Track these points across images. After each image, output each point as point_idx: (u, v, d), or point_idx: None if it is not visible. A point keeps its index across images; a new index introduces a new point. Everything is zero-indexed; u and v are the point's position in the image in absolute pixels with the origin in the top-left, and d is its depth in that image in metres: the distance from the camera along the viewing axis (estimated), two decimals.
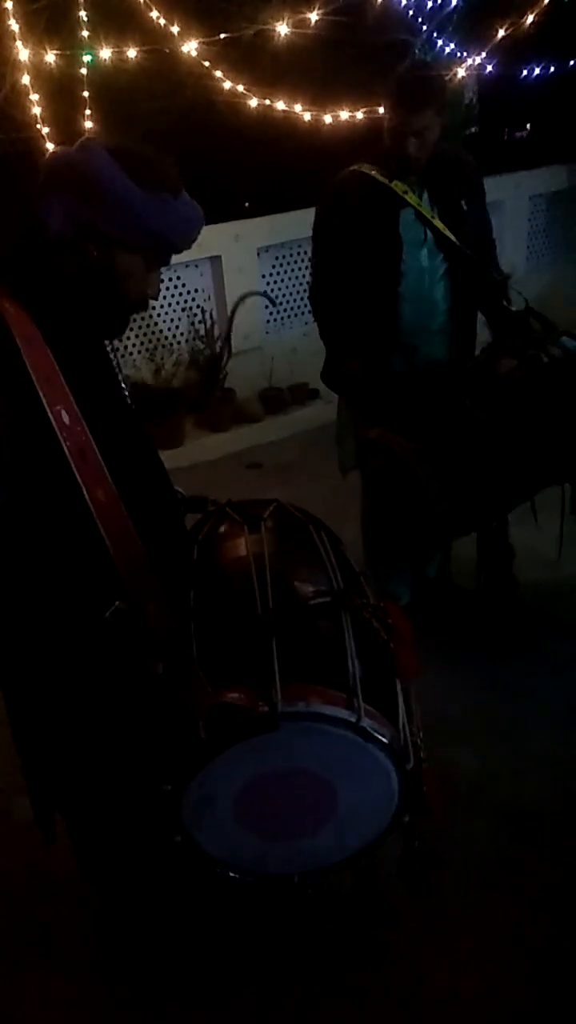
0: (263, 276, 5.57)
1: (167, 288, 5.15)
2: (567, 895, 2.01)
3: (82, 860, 1.84)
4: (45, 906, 2.09)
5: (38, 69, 3.69)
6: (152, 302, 1.55)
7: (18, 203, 1.45)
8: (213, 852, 1.48)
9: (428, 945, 1.91)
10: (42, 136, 3.74)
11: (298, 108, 4.35)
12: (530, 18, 4.49)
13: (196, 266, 5.20)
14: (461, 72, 4.93)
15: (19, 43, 3.54)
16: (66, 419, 1.35)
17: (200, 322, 5.16)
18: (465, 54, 5.04)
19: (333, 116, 4.42)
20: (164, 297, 5.16)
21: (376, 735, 1.33)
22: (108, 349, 1.61)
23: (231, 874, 1.53)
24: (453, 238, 2.60)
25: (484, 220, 2.78)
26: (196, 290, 5.28)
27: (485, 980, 1.83)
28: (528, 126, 10.05)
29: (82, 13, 3.85)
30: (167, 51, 3.94)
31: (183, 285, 5.23)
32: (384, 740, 1.34)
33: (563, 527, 2.74)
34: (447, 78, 4.64)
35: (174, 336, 5.26)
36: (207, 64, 4.05)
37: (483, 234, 2.77)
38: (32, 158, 3.68)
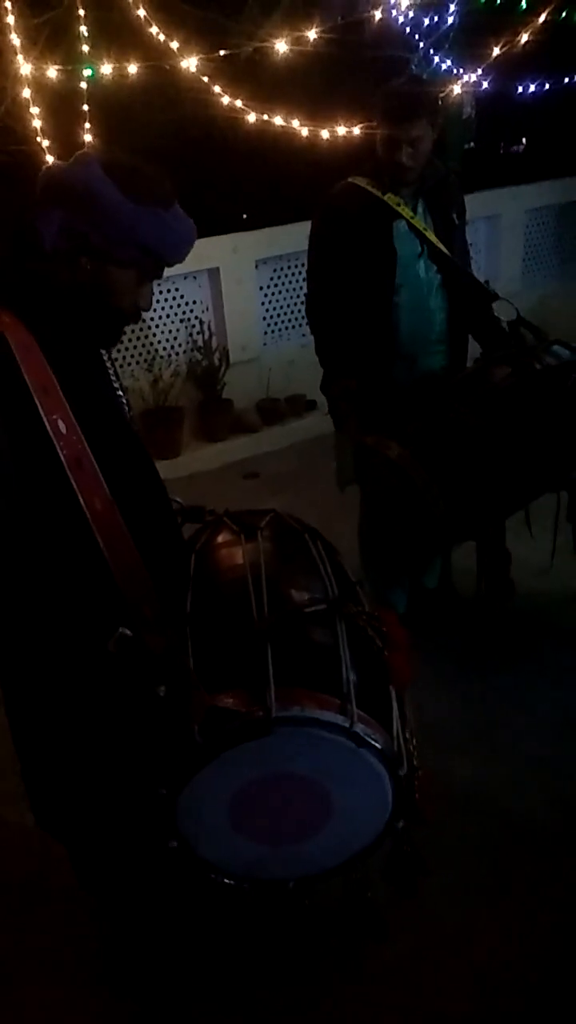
0: (261, 288, 5.60)
1: (165, 300, 5.19)
2: (562, 905, 2.01)
3: (79, 868, 1.85)
4: (43, 913, 2.09)
5: (39, 83, 3.72)
6: (150, 313, 1.58)
7: (16, 216, 1.48)
8: (208, 857, 1.49)
9: (420, 956, 1.90)
10: (42, 149, 3.77)
11: (296, 123, 4.39)
12: (524, 37, 4.55)
13: (194, 278, 5.23)
14: (457, 89, 4.99)
15: (20, 57, 3.58)
16: (63, 428, 1.37)
17: (198, 333, 5.19)
18: (462, 71, 5.11)
19: (330, 131, 4.47)
20: (162, 308, 5.19)
21: (369, 740, 1.34)
22: (106, 359, 1.63)
23: (226, 880, 1.54)
24: (446, 250, 2.64)
25: (465, 238, 2.83)
26: (194, 302, 5.31)
27: (478, 991, 1.83)
28: (524, 140, 10.15)
29: (83, 28, 3.90)
30: (167, 67, 3.98)
31: (181, 297, 5.26)
32: (377, 745, 1.35)
33: (556, 537, 2.77)
34: (443, 94, 4.71)
35: (172, 347, 5.28)
36: (206, 79, 4.10)
37: (465, 254, 2.82)
38: (32, 171, 3.71)
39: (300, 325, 5.70)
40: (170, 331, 5.27)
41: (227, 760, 1.33)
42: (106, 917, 1.96)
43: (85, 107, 3.98)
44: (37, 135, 3.74)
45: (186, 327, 5.28)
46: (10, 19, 3.52)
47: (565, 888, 2.05)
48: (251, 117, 4.28)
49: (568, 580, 3.18)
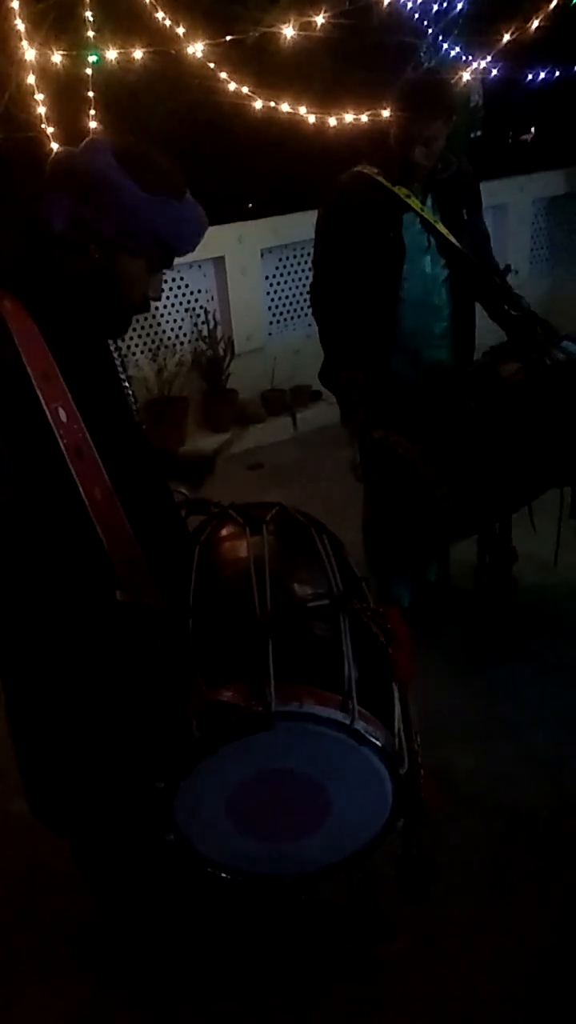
0: (266, 278, 5.58)
1: (171, 289, 5.16)
2: (565, 899, 2.00)
3: (79, 858, 1.85)
4: (43, 905, 2.09)
5: (43, 69, 3.68)
6: (155, 303, 1.56)
7: (22, 202, 1.46)
8: (205, 851, 1.48)
9: (424, 954, 1.90)
10: (47, 136, 3.74)
11: (303, 110, 4.34)
12: (535, 23, 4.49)
13: (199, 267, 5.21)
14: (466, 76, 4.93)
15: (25, 43, 3.54)
16: (63, 417, 1.36)
17: (203, 323, 5.17)
18: (470, 58, 5.05)
19: (338, 118, 4.41)
20: (167, 298, 5.16)
21: (370, 738, 1.33)
22: (113, 349, 1.61)
23: (223, 874, 1.53)
24: (457, 243, 2.61)
25: (483, 230, 2.80)
26: (199, 291, 5.29)
27: (481, 987, 1.82)
28: (532, 130, 10.04)
29: (88, 13, 3.86)
30: (173, 52, 3.94)
31: (186, 286, 5.24)
32: (378, 743, 1.34)
33: (560, 531, 2.75)
34: (453, 82, 4.65)
35: (177, 337, 5.26)
36: (212, 66, 4.05)
37: (482, 243, 2.78)
38: (36, 158, 3.69)
39: (305, 315, 5.68)
40: (175, 320, 5.25)
41: (225, 754, 1.32)
42: (106, 908, 1.96)
43: (90, 93, 3.94)
44: (42, 122, 3.71)
45: (191, 316, 5.26)
46: (14, 4, 3.48)
47: (566, 884, 2.04)
48: (257, 104, 4.23)
49: (569, 575, 3.16)
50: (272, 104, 4.26)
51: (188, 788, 1.37)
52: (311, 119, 4.37)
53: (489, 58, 4.89)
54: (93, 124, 3.99)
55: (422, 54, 5.22)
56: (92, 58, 3.86)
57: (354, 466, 2.92)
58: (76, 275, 1.42)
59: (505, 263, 2.94)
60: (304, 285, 5.65)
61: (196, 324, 5.23)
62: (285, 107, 4.30)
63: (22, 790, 1.68)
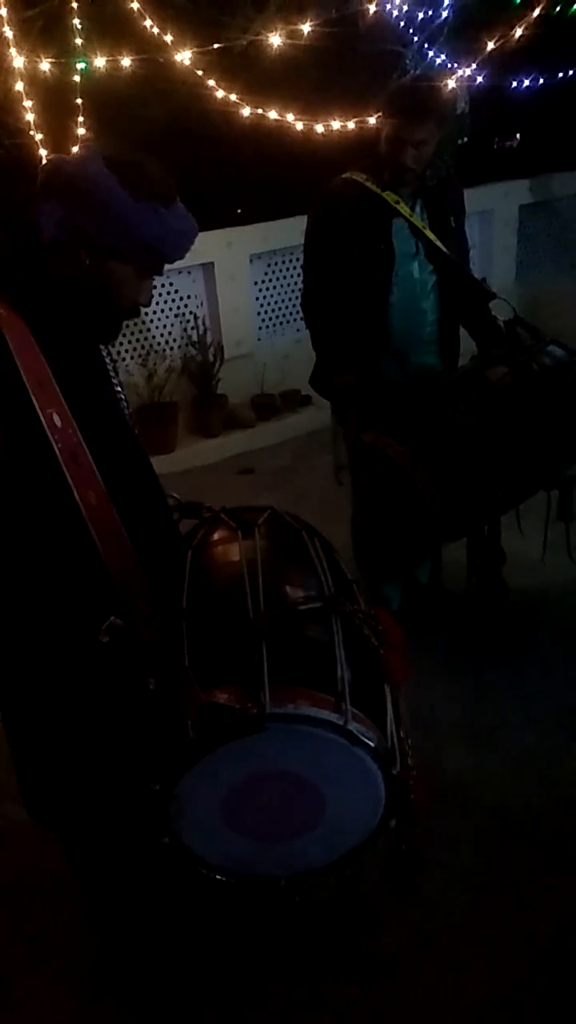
0: (255, 283, 5.60)
1: (160, 294, 5.17)
2: (556, 897, 2.02)
3: (73, 860, 1.85)
4: (37, 909, 2.09)
5: (32, 76, 3.70)
6: (145, 309, 1.57)
7: (12, 208, 1.47)
8: (200, 854, 1.49)
9: (415, 950, 1.91)
10: (35, 143, 3.75)
11: (290, 117, 4.37)
12: (519, 31, 4.54)
13: (188, 272, 5.22)
14: (452, 83, 4.97)
15: (13, 50, 3.55)
16: (58, 422, 1.37)
17: (192, 328, 5.19)
18: (455, 65, 5.09)
19: (325, 125, 4.45)
20: (157, 303, 5.18)
21: (363, 738, 1.34)
22: (105, 355, 1.63)
23: (218, 876, 1.54)
24: (445, 250, 2.63)
25: (465, 241, 2.83)
26: (188, 296, 5.31)
27: (472, 983, 1.83)
28: (518, 136, 10.11)
29: (76, 21, 3.87)
30: (161, 60, 3.96)
31: (176, 291, 5.26)
32: (371, 744, 1.35)
33: (547, 532, 2.78)
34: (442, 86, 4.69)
35: (167, 342, 5.28)
36: (200, 73, 4.08)
37: (464, 253, 2.81)
38: (25, 165, 3.70)
39: (294, 320, 5.70)
40: (165, 326, 5.27)
41: (220, 756, 1.33)
42: (99, 912, 1.96)
43: (78, 100, 3.96)
44: (30, 128, 3.72)
45: (180, 322, 5.27)
46: (2, 11, 3.49)
47: (560, 882, 2.06)
48: (245, 111, 4.26)
49: (559, 575, 3.19)
50: (260, 111, 4.29)
51: (183, 790, 1.38)
52: (299, 126, 4.41)
53: (474, 66, 4.94)
54: (81, 131, 4.00)
55: (408, 62, 5.26)
56: (80, 65, 3.88)
57: (337, 469, 2.95)
58: (67, 281, 1.44)
59: (484, 274, 2.97)
60: (293, 290, 5.68)
61: (186, 330, 5.25)
62: (273, 114, 4.33)
63: (17, 794, 1.69)
